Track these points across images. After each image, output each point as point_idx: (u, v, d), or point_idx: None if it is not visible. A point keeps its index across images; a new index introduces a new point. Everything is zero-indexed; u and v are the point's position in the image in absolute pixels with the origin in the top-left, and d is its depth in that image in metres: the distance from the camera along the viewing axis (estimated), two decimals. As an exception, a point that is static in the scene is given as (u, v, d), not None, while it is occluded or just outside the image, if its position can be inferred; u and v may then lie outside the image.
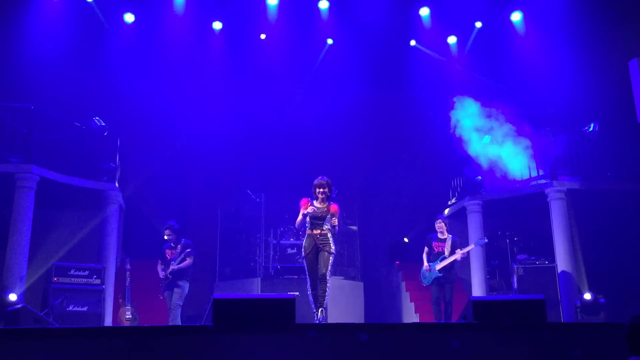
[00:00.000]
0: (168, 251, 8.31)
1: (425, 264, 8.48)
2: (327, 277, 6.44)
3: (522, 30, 11.32)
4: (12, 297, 7.77)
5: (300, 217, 6.53)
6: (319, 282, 6.44)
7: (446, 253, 8.33)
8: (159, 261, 8.37)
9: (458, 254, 8.27)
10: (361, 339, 4.56)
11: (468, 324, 4.92)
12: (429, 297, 10.74)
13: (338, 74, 11.95)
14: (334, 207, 6.52)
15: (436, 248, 8.45)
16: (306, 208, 6.46)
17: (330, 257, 6.49)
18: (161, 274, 8.21)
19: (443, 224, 8.58)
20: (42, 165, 8.95)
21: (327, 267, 6.44)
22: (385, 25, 10.93)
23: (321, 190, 6.53)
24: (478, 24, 11.34)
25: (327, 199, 6.56)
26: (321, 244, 6.48)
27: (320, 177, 6.62)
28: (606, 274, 9.53)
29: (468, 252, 8.65)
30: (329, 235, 6.53)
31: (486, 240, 8.79)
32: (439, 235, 8.54)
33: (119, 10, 11.00)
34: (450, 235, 8.57)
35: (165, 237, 8.38)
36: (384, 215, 9.73)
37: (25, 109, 9.13)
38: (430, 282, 8.41)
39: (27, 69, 10.25)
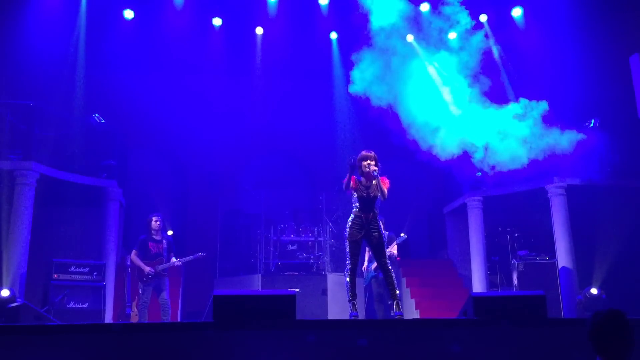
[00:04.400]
0: (152, 245, 8.24)
1: (365, 265, 8.53)
2: (389, 265, 6.01)
3: (523, 26, 11.28)
4: (5, 292, 7.74)
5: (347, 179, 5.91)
6: (382, 272, 6.03)
7: None
8: (135, 251, 8.23)
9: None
10: (362, 336, 4.56)
11: (468, 320, 4.91)
12: (430, 293, 10.81)
13: (338, 70, 11.93)
14: (385, 180, 5.98)
15: None
16: (353, 184, 5.91)
17: (384, 242, 6.05)
18: (149, 269, 8.07)
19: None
20: (42, 162, 8.94)
21: (386, 256, 6.00)
22: (384, 20, 10.88)
23: (367, 162, 5.95)
24: (483, 17, 11.27)
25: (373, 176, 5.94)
26: (371, 230, 5.96)
27: (365, 150, 6.08)
28: (606, 270, 9.52)
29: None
30: (378, 219, 6.06)
31: (404, 236, 8.64)
32: None
33: (119, 7, 10.97)
34: (387, 233, 8.49)
35: (155, 223, 8.29)
36: (384, 212, 9.72)
37: (25, 106, 9.12)
38: (368, 282, 8.54)
39: (27, 65, 10.22)
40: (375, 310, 8.42)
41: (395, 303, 5.87)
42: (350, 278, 5.92)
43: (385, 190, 5.93)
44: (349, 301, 5.92)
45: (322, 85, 12.32)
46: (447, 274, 11.81)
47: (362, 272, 8.52)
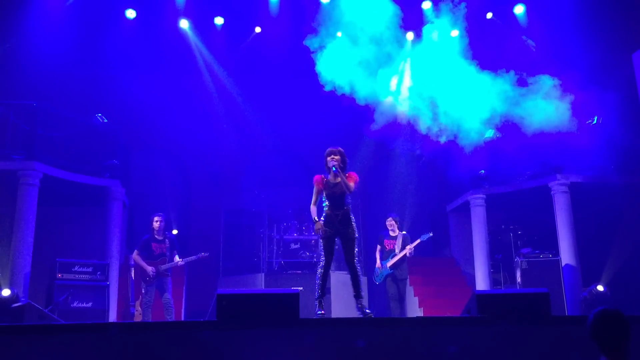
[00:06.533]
0: (155, 245, 8.26)
1: (378, 262, 8.64)
2: (357, 264, 6.00)
3: (525, 23, 11.24)
4: (5, 292, 7.76)
5: (313, 198, 6.03)
6: (349, 270, 6.01)
7: (397, 250, 8.52)
8: (137, 251, 8.26)
9: (406, 250, 8.46)
10: (365, 334, 4.56)
11: (472, 318, 4.91)
12: (434, 292, 10.81)
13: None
14: (352, 175, 5.99)
15: (388, 246, 8.64)
16: (320, 185, 5.99)
17: (355, 239, 5.99)
18: (151, 269, 8.09)
19: (394, 221, 8.75)
20: (45, 162, 8.97)
21: (354, 253, 5.96)
22: (386, 19, 10.86)
23: (332, 157, 5.99)
24: (489, 15, 11.25)
25: (342, 170, 5.95)
26: (343, 226, 5.95)
27: (332, 146, 6.14)
28: (610, 267, 9.51)
29: (415, 246, 8.69)
30: (351, 215, 6.03)
31: (431, 234, 8.75)
32: (390, 233, 8.72)
33: (121, 7, 10.97)
34: (401, 232, 8.77)
35: (155, 224, 8.28)
36: (387, 210, 9.74)
37: (27, 106, 9.15)
38: (382, 279, 8.61)
39: (29, 66, 10.24)
40: (391, 309, 8.47)
41: (360, 302, 5.92)
42: (322, 275, 5.93)
43: (351, 184, 5.94)
44: (316, 299, 5.92)
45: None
46: (450, 272, 11.80)
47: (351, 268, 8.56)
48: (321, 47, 8.59)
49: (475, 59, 8.85)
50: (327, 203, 6.05)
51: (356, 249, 6.02)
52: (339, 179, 5.94)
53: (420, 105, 9.18)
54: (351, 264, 5.98)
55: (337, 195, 5.98)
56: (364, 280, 10.46)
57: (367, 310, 5.89)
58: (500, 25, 11.32)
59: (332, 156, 6.02)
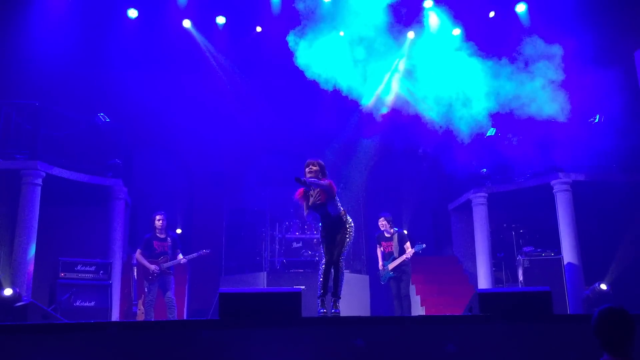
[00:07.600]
0: (157, 243, 8.28)
1: (380, 264, 8.63)
2: (341, 264, 5.90)
3: (527, 22, 11.22)
4: (7, 291, 7.79)
5: (304, 208, 6.00)
6: (333, 269, 5.93)
7: (395, 253, 8.48)
8: (140, 250, 8.27)
9: (403, 257, 8.38)
10: (368, 333, 4.57)
11: (474, 316, 4.92)
12: (436, 290, 10.82)
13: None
14: (326, 179, 5.85)
15: (386, 248, 8.60)
16: (302, 198, 5.92)
17: (345, 241, 5.90)
18: (154, 268, 8.13)
19: (385, 221, 8.63)
20: (47, 161, 9.00)
21: (341, 252, 5.87)
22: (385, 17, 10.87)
23: (310, 168, 5.88)
24: (491, 14, 11.25)
25: (320, 176, 5.88)
26: (335, 231, 5.92)
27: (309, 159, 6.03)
28: (612, 266, 9.50)
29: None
30: (344, 219, 5.92)
31: (424, 246, 8.60)
32: (385, 234, 8.66)
33: (123, 6, 10.98)
34: (396, 229, 8.68)
35: (158, 222, 8.30)
36: (388, 209, 9.76)
37: (30, 106, 9.17)
38: (385, 281, 8.61)
39: (32, 65, 10.25)
40: (394, 307, 8.49)
41: (334, 301, 5.91)
42: (323, 274, 5.94)
43: (324, 185, 5.75)
44: (318, 297, 5.94)
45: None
46: (452, 270, 11.80)
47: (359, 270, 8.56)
48: (320, 46, 8.58)
49: (474, 51, 8.87)
50: (319, 215, 6.01)
51: (346, 245, 5.94)
52: (316, 190, 5.84)
53: (421, 100, 9.19)
54: (336, 264, 5.92)
55: (316, 207, 5.91)
56: (366, 278, 10.52)
57: (334, 310, 5.87)
58: (502, 20, 11.31)
59: (311, 167, 5.92)
